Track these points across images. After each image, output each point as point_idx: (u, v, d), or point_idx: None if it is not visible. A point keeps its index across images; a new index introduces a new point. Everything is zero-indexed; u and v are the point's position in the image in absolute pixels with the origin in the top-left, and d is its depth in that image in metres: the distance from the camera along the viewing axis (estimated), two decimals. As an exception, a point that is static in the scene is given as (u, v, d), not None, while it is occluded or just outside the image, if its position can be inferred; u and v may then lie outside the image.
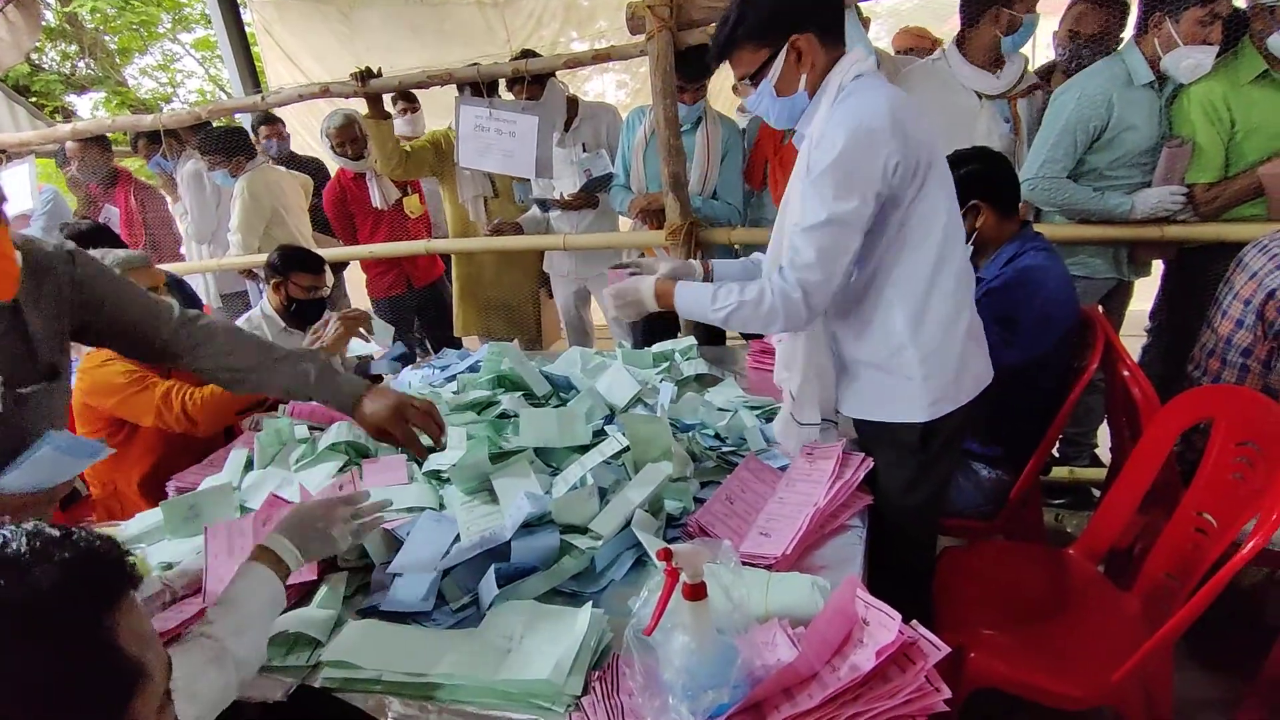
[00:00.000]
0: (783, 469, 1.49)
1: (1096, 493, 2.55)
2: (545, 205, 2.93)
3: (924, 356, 1.35)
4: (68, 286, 1.15)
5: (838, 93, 1.29)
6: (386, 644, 1.10)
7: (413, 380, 2.23)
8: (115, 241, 2.64)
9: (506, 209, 3.12)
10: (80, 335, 1.21)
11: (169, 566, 1.31)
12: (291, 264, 2.38)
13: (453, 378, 2.15)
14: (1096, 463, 2.66)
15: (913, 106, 1.29)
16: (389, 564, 1.27)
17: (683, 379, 2.07)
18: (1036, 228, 2.20)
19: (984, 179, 1.75)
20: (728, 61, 1.37)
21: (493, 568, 1.18)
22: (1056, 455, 2.63)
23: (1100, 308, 2.34)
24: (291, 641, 1.12)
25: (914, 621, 0.95)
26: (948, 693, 0.87)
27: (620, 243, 2.85)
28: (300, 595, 1.24)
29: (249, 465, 1.69)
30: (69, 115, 9.11)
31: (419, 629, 1.14)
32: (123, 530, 1.51)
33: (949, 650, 0.89)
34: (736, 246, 2.59)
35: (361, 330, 2.06)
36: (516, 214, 3.08)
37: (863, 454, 1.46)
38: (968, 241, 1.76)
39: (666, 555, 0.90)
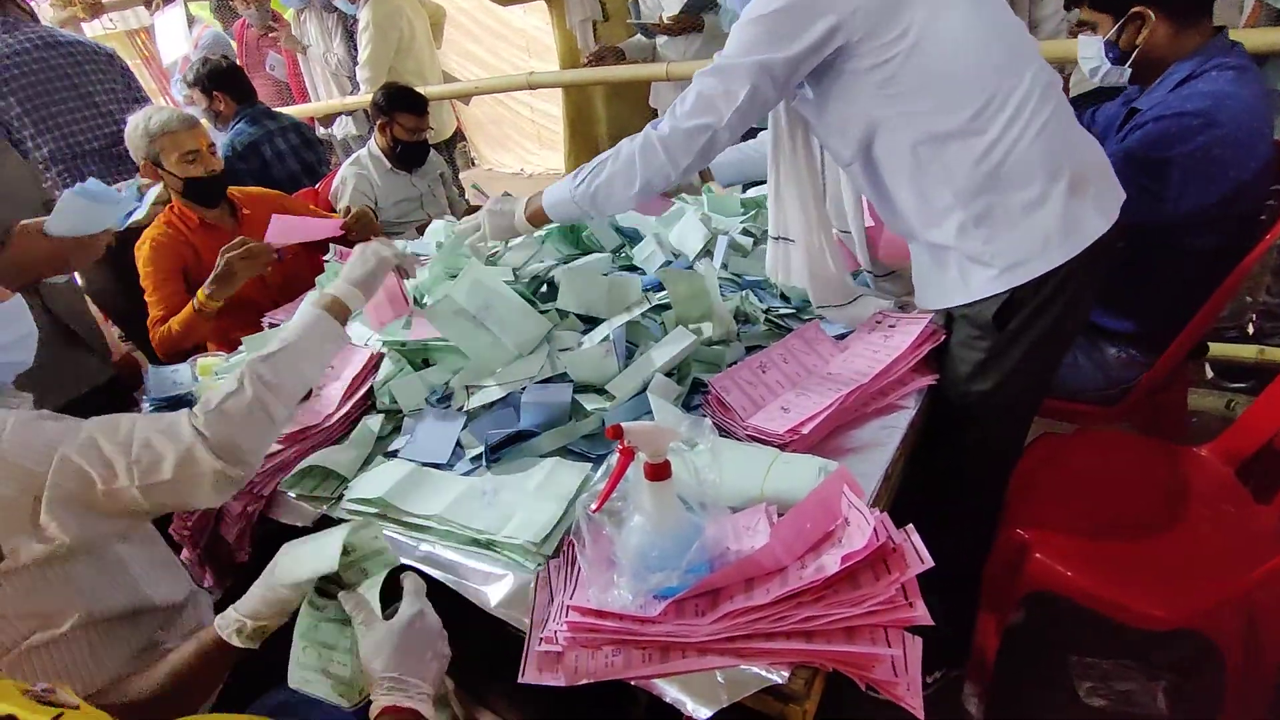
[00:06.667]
0: (839, 338, 1.33)
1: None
2: (648, 31, 2.65)
3: (979, 216, 1.10)
4: None
5: None
6: (400, 483, 1.15)
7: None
8: (244, 87, 2.74)
9: (617, 33, 2.86)
10: None
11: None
12: (396, 104, 2.37)
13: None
14: (1300, 341, 2.16)
15: None
16: (419, 411, 1.33)
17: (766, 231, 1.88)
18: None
19: None
20: None
21: (486, 435, 1.17)
22: (1245, 331, 2.16)
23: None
24: (322, 475, 1.21)
25: (908, 526, 0.83)
26: (922, 610, 0.76)
27: (729, 70, 2.54)
28: (342, 431, 1.33)
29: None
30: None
31: (434, 472, 1.19)
32: (226, 361, 1.68)
33: (930, 565, 0.77)
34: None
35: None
36: (626, 38, 2.82)
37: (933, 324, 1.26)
38: (1125, 64, 1.36)
39: (616, 433, 0.83)
